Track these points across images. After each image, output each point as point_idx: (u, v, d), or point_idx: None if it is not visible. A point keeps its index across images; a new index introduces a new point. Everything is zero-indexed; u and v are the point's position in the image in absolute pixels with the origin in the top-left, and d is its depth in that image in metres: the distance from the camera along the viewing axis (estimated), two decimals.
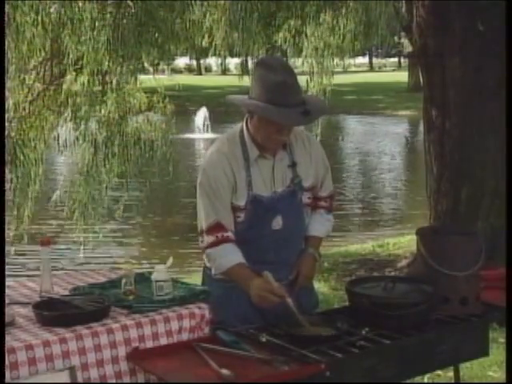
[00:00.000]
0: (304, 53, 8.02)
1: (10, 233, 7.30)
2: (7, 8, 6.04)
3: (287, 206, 2.98)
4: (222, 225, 2.92)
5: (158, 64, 8.56)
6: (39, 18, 6.39)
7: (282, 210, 2.96)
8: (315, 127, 8.49)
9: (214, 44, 7.80)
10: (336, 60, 8.08)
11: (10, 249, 7.92)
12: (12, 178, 6.95)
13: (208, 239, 2.94)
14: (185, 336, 2.69)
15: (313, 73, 8.38)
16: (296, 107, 2.78)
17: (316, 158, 3.07)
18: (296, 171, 2.99)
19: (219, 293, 2.92)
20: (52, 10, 6.43)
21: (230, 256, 2.92)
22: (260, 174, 2.95)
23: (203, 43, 8.15)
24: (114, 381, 2.53)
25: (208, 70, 53.50)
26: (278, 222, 2.96)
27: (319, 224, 3.13)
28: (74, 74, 6.84)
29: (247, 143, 2.94)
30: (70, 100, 7.01)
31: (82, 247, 7.51)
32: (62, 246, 8.53)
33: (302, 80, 8.32)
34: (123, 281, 2.84)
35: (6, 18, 5.93)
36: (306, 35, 7.85)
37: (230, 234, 2.93)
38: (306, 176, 3.02)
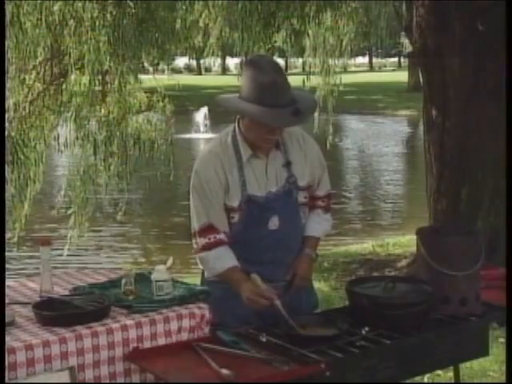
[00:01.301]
0: (307, 53, 8.03)
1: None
2: (11, 7, 6.04)
3: (283, 206, 2.97)
4: (214, 226, 2.92)
5: (158, 64, 8.57)
6: (43, 18, 6.39)
7: (278, 209, 2.96)
8: (327, 130, 8.53)
9: (208, 43, 7.81)
10: (336, 60, 8.10)
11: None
12: (12, 178, 6.95)
13: (200, 241, 2.94)
14: (184, 336, 2.69)
15: (310, 72, 8.39)
16: (286, 107, 2.77)
17: (311, 156, 3.06)
18: (291, 170, 2.98)
19: (217, 295, 2.91)
20: (55, 9, 6.43)
21: (223, 259, 2.92)
22: (253, 174, 2.94)
23: (198, 42, 8.16)
24: (108, 381, 2.53)
25: (208, 70, 53.50)
26: (274, 223, 2.96)
27: (316, 224, 3.11)
28: (74, 73, 6.84)
29: (239, 143, 2.94)
30: (70, 100, 7.01)
31: (66, 247, 7.47)
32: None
33: (300, 80, 8.37)
34: (123, 281, 2.84)
35: (8, 18, 5.94)
36: (308, 35, 7.86)
37: (222, 236, 2.93)
38: (302, 175, 3.01)
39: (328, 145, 8.64)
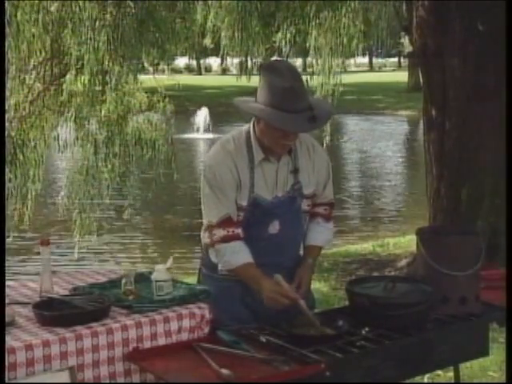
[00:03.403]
0: (307, 53, 8.04)
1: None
2: (8, 7, 6.05)
3: (286, 212, 2.99)
4: (233, 220, 2.94)
5: (158, 64, 8.57)
6: (40, 18, 6.40)
7: (281, 215, 2.97)
8: (325, 130, 8.53)
9: (222, 45, 7.81)
10: (336, 60, 8.10)
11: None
12: (12, 178, 6.95)
13: (219, 233, 2.93)
14: (185, 336, 2.69)
15: (313, 73, 8.39)
16: (303, 113, 2.77)
17: (319, 166, 3.07)
18: (297, 177, 3.00)
19: (213, 293, 2.92)
20: (52, 9, 6.43)
21: (240, 254, 2.92)
22: (263, 177, 2.96)
23: (208, 44, 8.16)
24: (108, 381, 2.53)
25: (208, 70, 53.49)
26: (274, 227, 2.97)
27: (317, 233, 3.12)
28: (74, 73, 6.84)
29: (253, 145, 2.95)
30: (70, 100, 7.01)
31: (76, 249, 7.48)
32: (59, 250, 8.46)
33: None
34: (123, 281, 2.84)
35: (7, 18, 5.94)
36: (310, 35, 7.86)
37: (240, 231, 2.94)
38: (308, 183, 3.03)
39: (325, 144, 8.64)
